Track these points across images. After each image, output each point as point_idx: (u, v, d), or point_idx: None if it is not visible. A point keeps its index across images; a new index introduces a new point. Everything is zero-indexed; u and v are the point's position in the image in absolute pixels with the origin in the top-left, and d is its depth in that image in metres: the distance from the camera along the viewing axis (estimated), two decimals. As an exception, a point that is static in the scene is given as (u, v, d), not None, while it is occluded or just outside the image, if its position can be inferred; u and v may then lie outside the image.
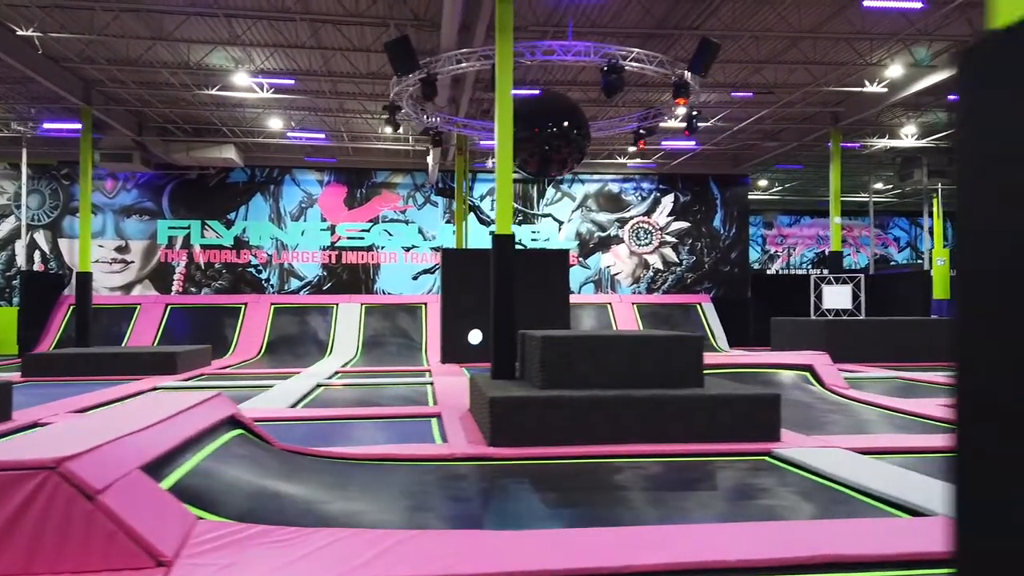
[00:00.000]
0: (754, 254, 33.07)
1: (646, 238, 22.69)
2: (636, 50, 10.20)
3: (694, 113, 12.01)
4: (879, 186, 27.67)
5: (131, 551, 3.04)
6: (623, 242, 22.62)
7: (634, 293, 22.43)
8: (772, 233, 33.30)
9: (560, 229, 22.46)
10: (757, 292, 22.64)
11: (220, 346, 18.75)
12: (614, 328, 20.15)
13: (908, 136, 18.96)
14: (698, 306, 21.66)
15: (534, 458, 5.69)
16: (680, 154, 20.58)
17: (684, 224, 22.81)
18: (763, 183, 27.89)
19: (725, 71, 13.90)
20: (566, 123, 11.55)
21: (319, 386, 11.29)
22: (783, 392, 9.64)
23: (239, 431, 5.15)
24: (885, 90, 14.29)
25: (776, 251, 33.10)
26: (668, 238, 22.76)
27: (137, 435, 3.72)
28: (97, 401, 8.70)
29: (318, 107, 16.24)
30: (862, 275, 16.70)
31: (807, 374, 10.25)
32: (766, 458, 5.74)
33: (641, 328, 20.18)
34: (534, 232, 22.39)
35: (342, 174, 21.49)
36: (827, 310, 16.35)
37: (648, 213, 22.72)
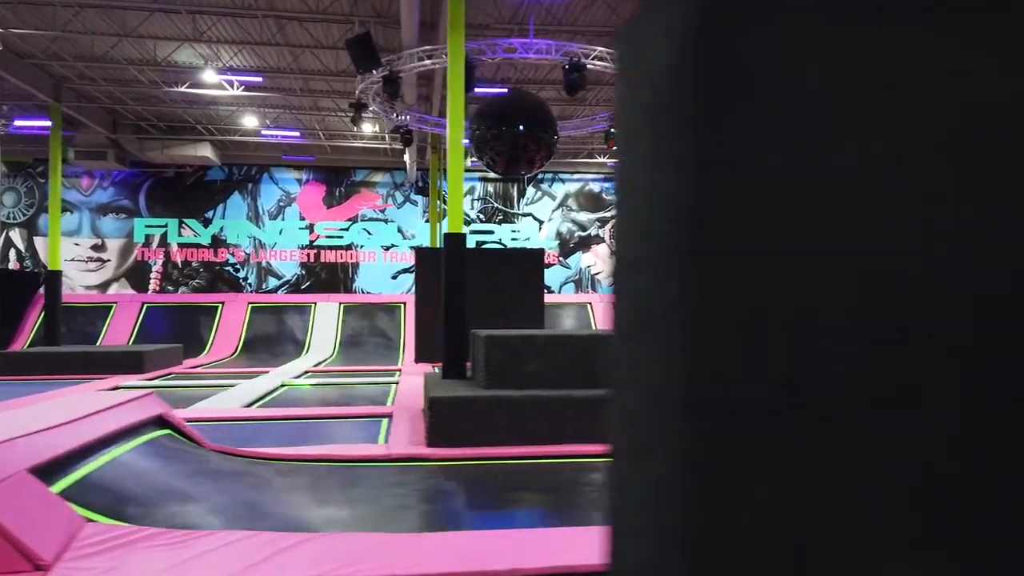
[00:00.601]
0: (739, 254, 33.20)
1: (627, 238, 22.65)
2: (599, 48, 10.15)
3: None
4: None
5: (7, 554, 2.97)
6: (604, 242, 22.58)
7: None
8: (757, 233, 33.44)
9: (540, 228, 22.41)
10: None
11: (196, 345, 18.65)
12: (594, 328, 20.11)
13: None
14: (678, 306, 21.63)
15: (472, 459, 5.64)
16: (659, 154, 20.55)
17: (665, 224, 22.77)
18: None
19: (697, 70, 13.86)
20: (534, 122, 11.49)
21: (283, 386, 11.23)
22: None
23: (165, 431, 5.08)
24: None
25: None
26: (649, 238, 22.72)
27: (36, 436, 3.65)
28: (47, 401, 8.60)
29: (291, 105, 16.15)
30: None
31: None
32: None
33: (621, 328, 20.13)
34: (514, 231, 22.34)
35: (321, 173, 21.39)
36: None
37: (629, 213, 22.66)
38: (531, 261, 14.90)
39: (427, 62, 10.52)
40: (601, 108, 15.56)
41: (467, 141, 11.65)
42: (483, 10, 10.90)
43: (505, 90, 12.50)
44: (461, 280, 8.18)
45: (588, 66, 9.87)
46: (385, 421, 7.45)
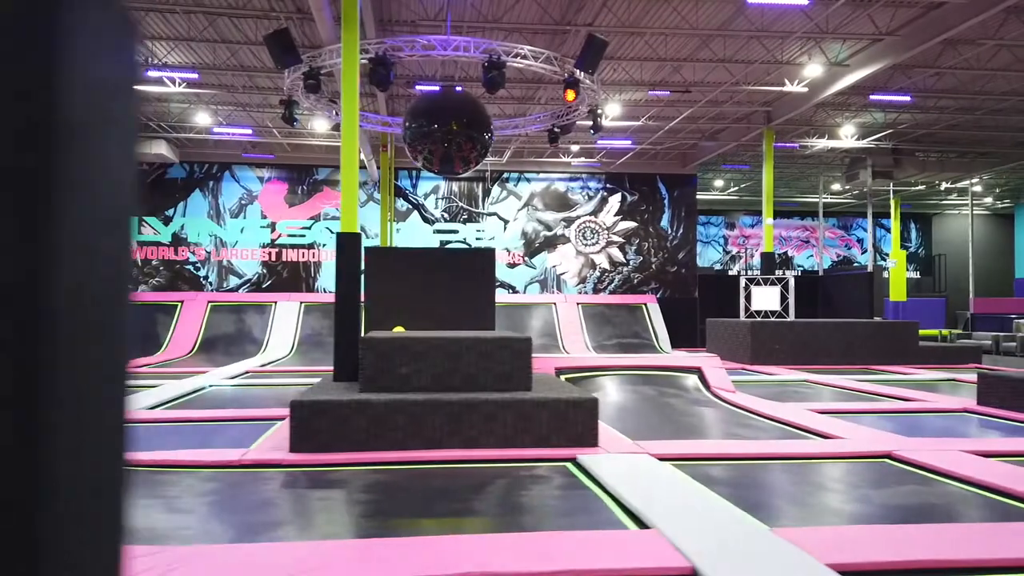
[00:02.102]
0: (716, 255, 32.96)
1: (593, 238, 22.52)
2: (519, 46, 10.01)
3: (598, 112, 11.83)
4: (836, 187, 27.59)
5: None
6: (569, 241, 22.44)
7: (580, 293, 22.26)
8: (734, 234, 33.20)
9: (506, 228, 22.27)
10: (704, 292, 22.49)
11: (153, 344, 18.54)
12: (557, 329, 19.98)
13: (847, 137, 18.83)
14: (644, 306, 21.45)
15: (328, 465, 5.49)
16: (620, 153, 20.42)
17: (631, 224, 22.64)
18: (719, 183, 27.77)
19: (643, 69, 13.73)
20: (467, 120, 11.34)
21: (209, 386, 11.08)
22: (666, 394, 9.52)
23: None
24: (805, 90, 14.14)
25: (738, 252, 32.99)
26: (615, 238, 22.59)
27: None
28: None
29: (240, 102, 16.00)
30: (790, 277, 16.57)
31: (695, 376, 10.09)
32: (568, 464, 5.57)
33: (584, 329, 20.03)
34: (479, 231, 22.19)
35: (283, 171, 21.25)
36: (755, 311, 16.22)
37: (595, 212, 22.54)
38: (481, 261, 14.79)
39: (351, 59, 10.36)
40: (555, 106, 15.43)
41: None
42: (408, 7, 10.76)
43: (436, 87, 12.36)
44: (357, 280, 8.05)
45: (509, 64, 9.72)
46: (277, 424, 7.30)
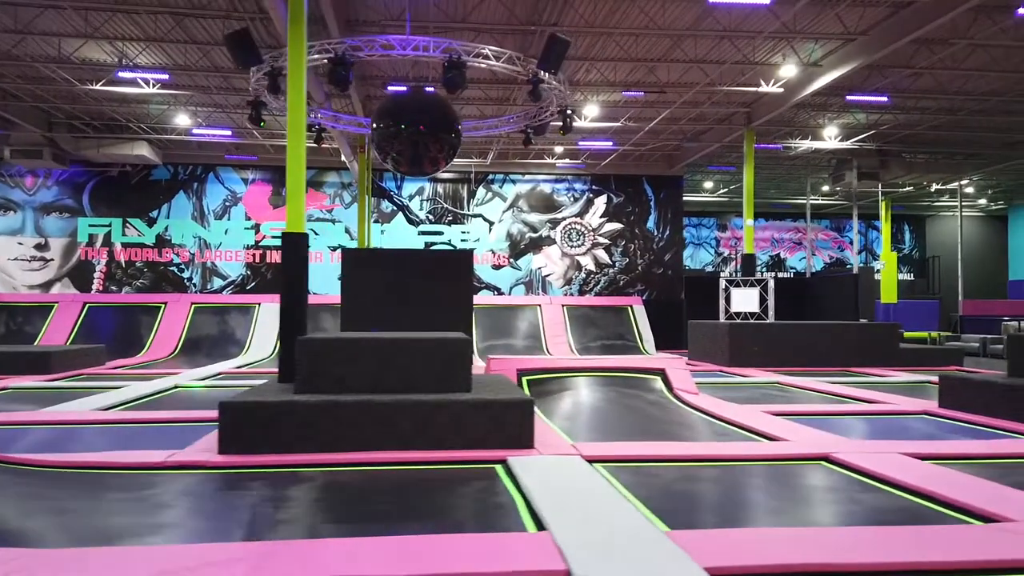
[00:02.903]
0: (708, 256, 32.87)
1: (578, 239, 22.46)
2: (480, 46, 9.95)
3: (568, 112, 11.76)
4: (826, 189, 27.49)
5: None
6: (555, 243, 22.38)
7: (566, 295, 22.19)
8: (726, 235, 33.09)
9: (491, 230, 22.22)
10: (690, 294, 22.38)
11: (136, 346, 18.52)
12: (541, 331, 19.90)
13: (831, 138, 18.73)
14: (629, 308, 21.36)
15: (252, 467, 5.43)
16: (604, 154, 20.35)
17: (617, 225, 22.58)
18: (709, 185, 27.69)
19: (616, 70, 13.66)
20: (434, 120, 11.29)
21: (175, 387, 11.03)
22: (626, 395, 9.43)
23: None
24: (782, 90, 14.06)
25: (730, 253, 32.89)
26: (601, 239, 22.52)
27: None
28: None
29: (218, 103, 15.98)
30: (769, 279, 16.47)
31: (660, 378, 10.00)
32: (497, 466, 5.50)
33: (569, 331, 19.94)
34: (464, 232, 22.15)
35: (267, 172, 21.23)
36: (735, 313, 16.13)
37: (581, 214, 22.48)
38: (459, 262, 14.72)
39: (314, 56, 10.33)
40: (528, 107, 15.36)
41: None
42: (374, 8, 10.72)
43: (404, 88, 12.31)
44: (303, 281, 7.99)
45: (470, 64, 9.67)
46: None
